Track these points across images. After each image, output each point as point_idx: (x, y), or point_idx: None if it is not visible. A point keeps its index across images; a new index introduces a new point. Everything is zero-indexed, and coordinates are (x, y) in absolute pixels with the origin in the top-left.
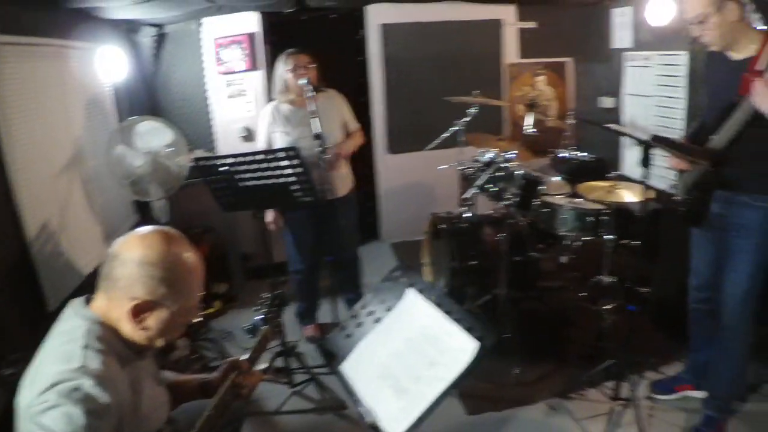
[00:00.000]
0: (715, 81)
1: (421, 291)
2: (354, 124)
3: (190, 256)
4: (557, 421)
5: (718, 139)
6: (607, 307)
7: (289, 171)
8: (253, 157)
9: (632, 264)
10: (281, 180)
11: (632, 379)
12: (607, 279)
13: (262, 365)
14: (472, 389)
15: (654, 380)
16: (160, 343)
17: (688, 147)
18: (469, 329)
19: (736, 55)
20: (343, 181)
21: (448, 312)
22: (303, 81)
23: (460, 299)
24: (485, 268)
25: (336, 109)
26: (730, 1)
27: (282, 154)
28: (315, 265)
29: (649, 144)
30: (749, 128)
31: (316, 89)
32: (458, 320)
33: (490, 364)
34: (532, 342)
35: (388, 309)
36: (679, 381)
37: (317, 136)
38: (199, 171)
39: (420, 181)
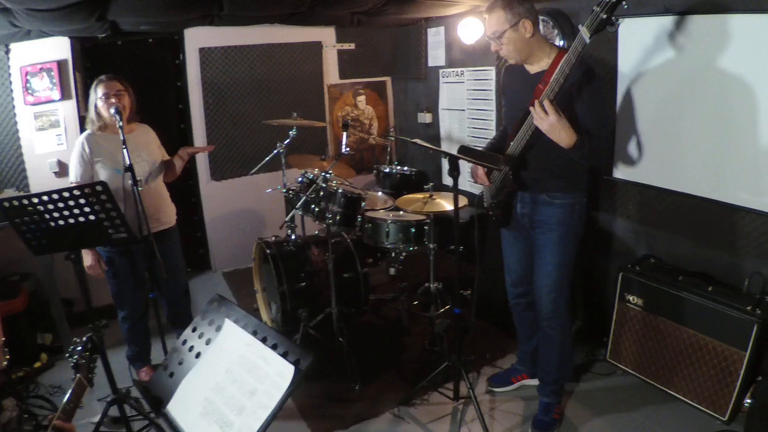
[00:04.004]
0: (512, 92)
1: (237, 321)
2: (167, 157)
3: None
4: (404, 429)
5: (514, 146)
6: (437, 312)
7: (98, 207)
8: (60, 195)
9: (457, 268)
10: (92, 217)
11: (470, 377)
12: (434, 286)
13: (95, 418)
14: (316, 410)
15: (491, 375)
16: None
17: (487, 155)
18: (285, 354)
19: (532, 69)
20: (166, 213)
21: (264, 339)
22: (112, 110)
23: (294, 322)
24: (316, 288)
25: (154, 140)
26: (525, 20)
27: (89, 190)
28: (142, 304)
29: (453, 156)
30: (542, 134)
31: (131, 119)
32: (274, 346)
33: (331, 383)
34: (370, 355)
35: (208, 342)
36: (514, 372)
37: (128, 169)
38: (4, 213)
39: (247, 206)
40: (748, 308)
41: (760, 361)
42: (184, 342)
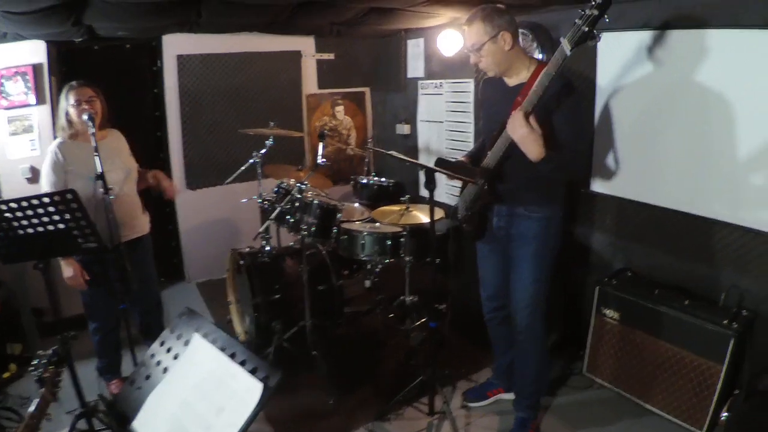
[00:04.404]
0: (491, 104)
1: (205, 335)
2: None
3: None
4: None
5: (491, 158)
6: (413, 326)
7: (68, 216)
8: (29, 203)
9: (433, 281)
10: (62, 226)
11: (445, 391)
12: (409, 299)
13: (63, 431)
14: (289, 425)
15: (467, 389)
16: None
17: (463, 168)
18: (254, 370)
19: (511, 81)
20: (140, 220)
21: (233, 354)
22: (84, 116)
23: (267, 335)
24: (290, 301)
25: (125, 147)
26: (504, 32)
27: (59, 198)
28: (114, 314)
29: (429, 168)
30: (517, 147)
31: (102, 126)
32: (243, 362)
33: (304, 398)
34: (345, 369)
35: (175, 357)
36: (490, 386)
37: (99, 177)
38: None
39: (222, 216)
40: (725, 322)
41: (736, 375)
42: (152, 356)
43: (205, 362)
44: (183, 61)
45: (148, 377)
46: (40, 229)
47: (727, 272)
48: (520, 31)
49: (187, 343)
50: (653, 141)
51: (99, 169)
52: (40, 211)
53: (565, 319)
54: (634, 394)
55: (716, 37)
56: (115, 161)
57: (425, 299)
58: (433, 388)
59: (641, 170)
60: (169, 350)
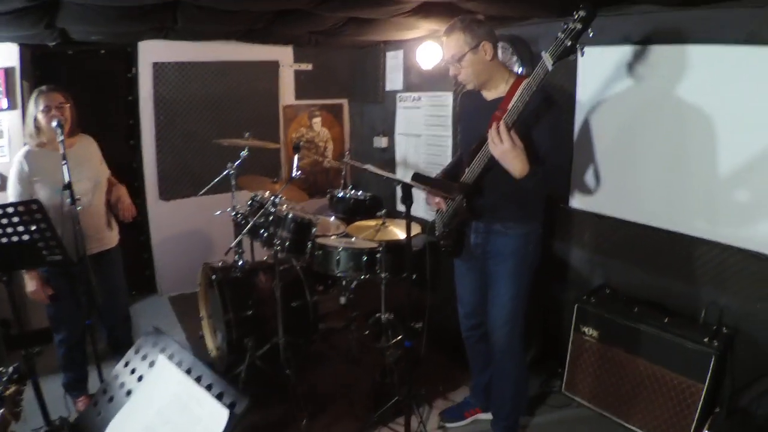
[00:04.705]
0: (469, 118)
1: (171, 357)
2: (108, 172)
3: None
4: None
5: (469, 173)
6: (388, 343)
7: (33, 227)
8: None
9: (409, 298)
10: (26, 237)
11: (421, 411)
12: (385, 316)
13: None
14: None
15: (444, 409)
16: None
17: (441, 183)
18: (220, 395)
19: (489, 95)
20: (108, 233)
21: (198, 378)
22: (53, 123)
23: (240, 352)
24: (263, 317)
25: (95, 154)
26: (485, 42)
27: (23, 208)
28: (80, 327)
29: (406, 183)
30: (496, 162)
31: (72, 132)
32: (209, 387)
33: (277, 418)
34: (318, 387)
35: (140, 379)
36: (467, 406)
37: (66, 186)
38: None
39: (196, 228)
40: (706, 340)
41: (717, 392)
42: (116, 377)
43: (169, 386)
44: (159, 68)
45: (111, 399)
46: (4, 240)
47: (706, 289)
48: (500, 44)
49: (151, 364)
50: (633, 157)
51: (66, 179)
52: (4, 221)
53: (543, 335)
54: (613, 412)
55: (696, 53)
56: (84, 170)
57: (401, 316)
58: (409, 408)
59: (620, 186)
60: (133, 371)
